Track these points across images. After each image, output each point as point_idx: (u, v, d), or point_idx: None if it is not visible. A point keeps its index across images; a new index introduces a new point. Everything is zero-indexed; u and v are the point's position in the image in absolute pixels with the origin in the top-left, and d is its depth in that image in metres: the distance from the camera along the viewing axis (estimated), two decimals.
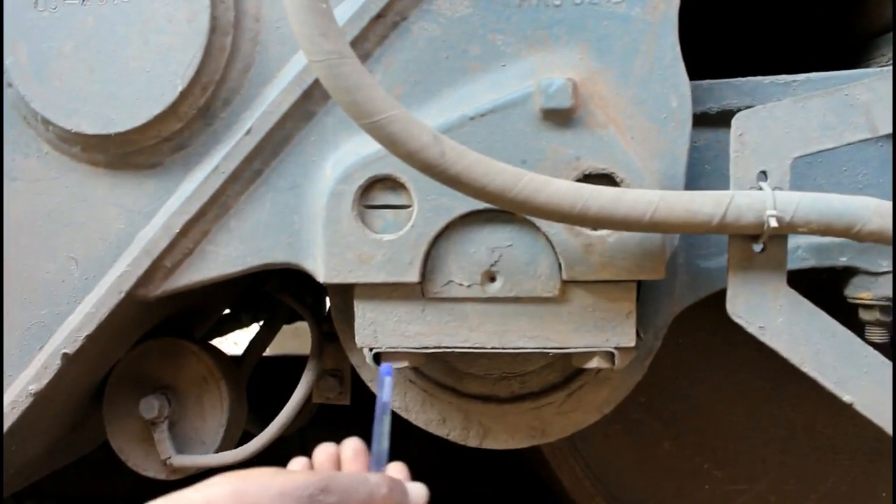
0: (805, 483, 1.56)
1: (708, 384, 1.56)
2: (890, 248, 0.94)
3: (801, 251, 0.99)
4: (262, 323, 1.47)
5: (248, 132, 0.97)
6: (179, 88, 0.97)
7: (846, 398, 0.88)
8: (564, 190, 0.82)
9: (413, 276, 0.93)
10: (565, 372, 1.05)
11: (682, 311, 1.54)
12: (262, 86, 0.99)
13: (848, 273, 0.98)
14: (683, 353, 1.56)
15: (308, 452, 0.77)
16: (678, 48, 0.91)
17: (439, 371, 1.06)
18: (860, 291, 0.97)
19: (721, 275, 1.03)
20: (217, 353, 1.19)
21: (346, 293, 1.05)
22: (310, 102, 0.97)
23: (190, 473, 1.14)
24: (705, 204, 0.83)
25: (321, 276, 0.95)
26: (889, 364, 0.88)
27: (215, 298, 1.33)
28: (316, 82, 0.95)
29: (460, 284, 0.93)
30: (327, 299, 1.15)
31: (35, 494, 2.49)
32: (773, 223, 0.82)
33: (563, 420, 1.06)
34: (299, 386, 1.13)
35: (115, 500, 2.46)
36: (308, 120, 0.98)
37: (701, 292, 1.03)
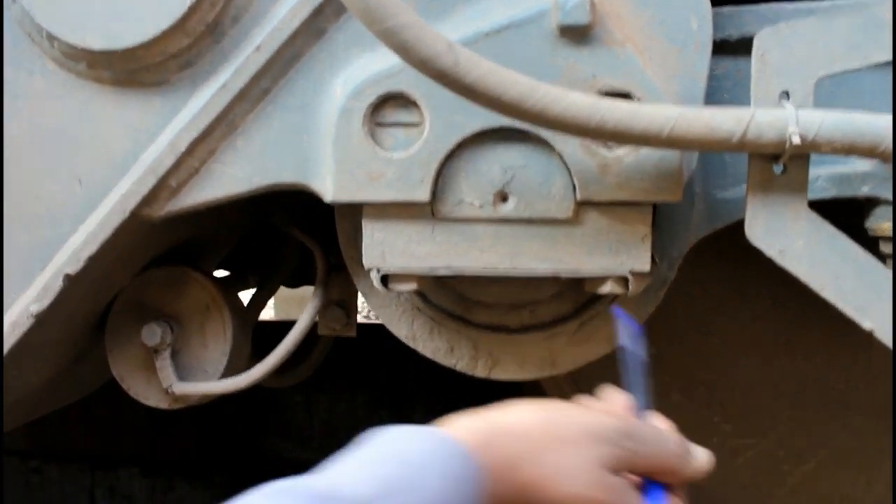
0: (814, 438, 1.54)
1: (719, 337, 1.54)
2: None
3: (822, 181, 0.97)
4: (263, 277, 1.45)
5: (257, 49, 0.95)
6: (188, 3, 0.95)
7: (866, 325, 0.86)
8: (581, 102, 0.80)
9: (423, 195, 0.90)
10: (577, 302, 1.03)
11: (695, 262, 1.52)
12: (272, 3, 0.97)
13: (870, 204, 0.96)
14: (695, 304, 1.54)
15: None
16: None
17: (448, 299, 1.04)
18: (882, 222, 0.94)
19: (738, 205, 1.01)
20: (221, 282, 1.17)
21: (354, 218, 1.03)
22: (321, 19, 0.94)
23: (191, 403, 1.13)
24: (725, 121, 0.81)
25: (329, 195, 0.93)
26: None
27: (221, 232, 1.31)
28: None
29: (472, 204, 0.91)
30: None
31: (40, 453, 2.49)
32: (796, 140, 0.79)
33: (574, 351, 1.04)
34: (304, 313, 1.12)
35: (119, 459, 2.46)
36: (319, 37, 0.95)
37: (717, 223, 1.01)
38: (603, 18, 0.88)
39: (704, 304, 1.54)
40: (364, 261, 0.94)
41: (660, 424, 0.74)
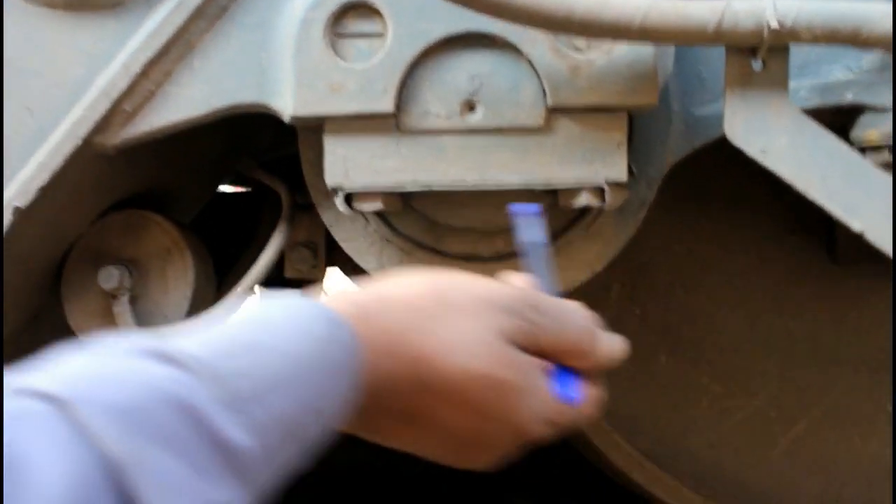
0: (806, 397, 1.49)
1: (704, 294, 1.50)
2: None
3: (804, 91, 0.93)
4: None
5: None
6: None
7: (855, 226, 0.81)
8: None
9: (387, 106, 0.86)
10: (552, 228, 0.99)
11: (676, 218, 1.49)
12: None
13: (855, 112, 0.92)
14: (678, 261, 1.50)
15: None
16: None
17: (417, 228, 1.00)
18: (867, 130, 0.91)
19: (717, 122, 0.97)
20: (185, 226, 1.12)
21: (319, 145, 0.98)
22: None
23: None
24: (700, 10, 0.77)
25: (289, 110, 0.89)
26: None
27: (190, 183, 1.26)
28: None
29: (437, 115, 0.87)
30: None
31: None
32: (774, 24, 0.76)
33: None
34: (267, 249, 1.06)
35: None
36: None
37: (696, 141, 0.97)
38: None
39: (689, 261, 1.49)
40: (326, 179, 0.90)
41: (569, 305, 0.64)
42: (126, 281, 1.05)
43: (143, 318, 1.09)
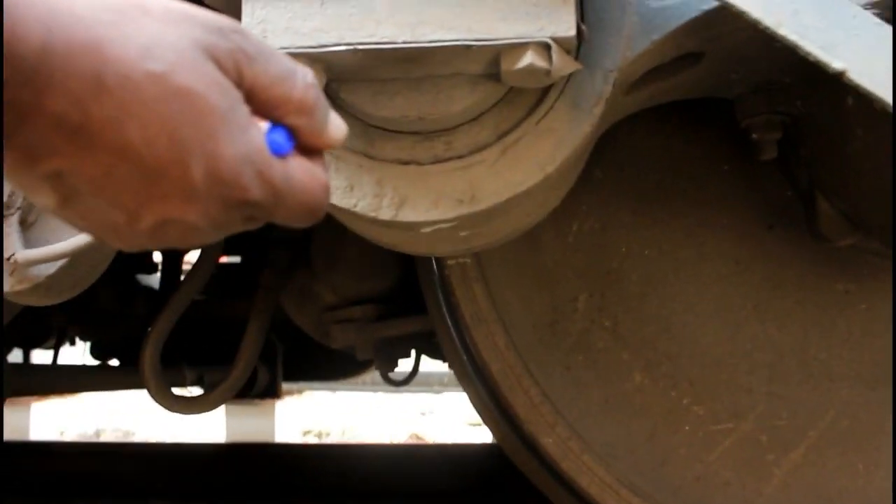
0: (800, 418, 1.33)
1: (680, 301, 1.37)
2: None
3: None
4: None
5: None
6: None
7: (836, 65, 0.72)
8: None
9: None
10: (499, 128, 0.89)
11: (646, 221, 1.38)
12: None
13: None
14: (650, 266, 1.38)
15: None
16: None
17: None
18: None
19: (675, 13, 0.91)
20: None
21: None
22: None
23: (37, 282, 0.93)
24: None
25: None
26: (883, 24, 0.73)
27: None
28: None
29: None
30: None
31: None
32: None
33: (497, 181, 0.88)
34: None
35: None
36: None
37: (654, 34, 0.90)
38: None
39: (661, 267, 1.38)
40: None
41: None
42: (18, 198, 0.93)
43: (37, 244, 0.95)
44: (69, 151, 0.45)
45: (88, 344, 2.97)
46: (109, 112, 0.44)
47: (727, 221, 1.36)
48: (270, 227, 1.89)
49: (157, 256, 2.67)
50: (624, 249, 1.39)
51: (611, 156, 1.32)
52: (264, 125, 0.51)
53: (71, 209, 0.48)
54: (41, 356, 3.22)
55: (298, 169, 0.52)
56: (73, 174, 0.46)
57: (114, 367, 2.91)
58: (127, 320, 2.60)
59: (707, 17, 0.90)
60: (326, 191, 0.54)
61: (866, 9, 0.78)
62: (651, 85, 1.02)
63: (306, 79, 0.53)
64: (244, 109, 0.49)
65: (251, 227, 0.54)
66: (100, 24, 0.44)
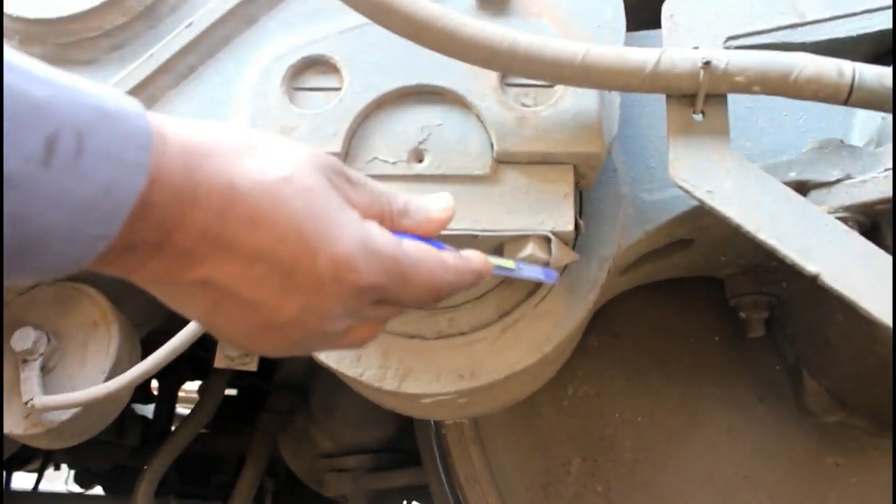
0: None
1: (672, 469, 1.39)
2: (841, 153, 0.91)
3: None
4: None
5: (188, 25, 0.97)
6: None
7: (810, 268, 0.78)
8: (492, 28, 0.81)
9: (335, 146, 0.87)
10: (500, 308, 0.94)
11: (640, 388, 1.42)
12: None
13: (801, 190, 0.93)
14: (643, 433, 1.41)
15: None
16: None
17: None
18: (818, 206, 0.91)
19: (667, 206, 0.99)
20: (119, 297, 1.06)
21: None
22: (254, 7, 0.98)
23: (51, 427, 0.96)
24: (637, 53, 0.82)
25: None
26: (852, 233, 0.80)
27: None
28: None
29: (385, 161, 0.88)
30: None
31: None
32: (708, 59, 0.80)
33: (496, 359, 0.93)
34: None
35: None
36: (251, 25, 0.98)
37: (648, 225, 0.97)
38: None
39: (653, 434, 1.41)
40: None
41: None
42: (41, 346, 0.98)
43: (54, 390, 0.99)
44: (214, 258, 0.51)
45: (72, 472, 2.93)
46: (244, 215, 0.50)
47: (719, 391, 1.40)
48: (271, 368, 1.90)
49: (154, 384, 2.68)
50: (618, 415, 1.42)
51: (606, 324, 1.37)
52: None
53: (219, 314, 0.53)
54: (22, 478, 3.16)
55: (411, 246, 0.60)
56: (219, 278, 0.51)
57: (100, 497, 2.86)
58: (118, 449, 2.58)
59: (696, 211, 0.97)
60: (444, 265, 0.62)
61: (837, 216, 0.86)
62: (645, 266, 1.09)
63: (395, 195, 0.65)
64: (351, 208, 0.57)
65: (384, 313, 0.61)
66: (230, 149, 0.52)
